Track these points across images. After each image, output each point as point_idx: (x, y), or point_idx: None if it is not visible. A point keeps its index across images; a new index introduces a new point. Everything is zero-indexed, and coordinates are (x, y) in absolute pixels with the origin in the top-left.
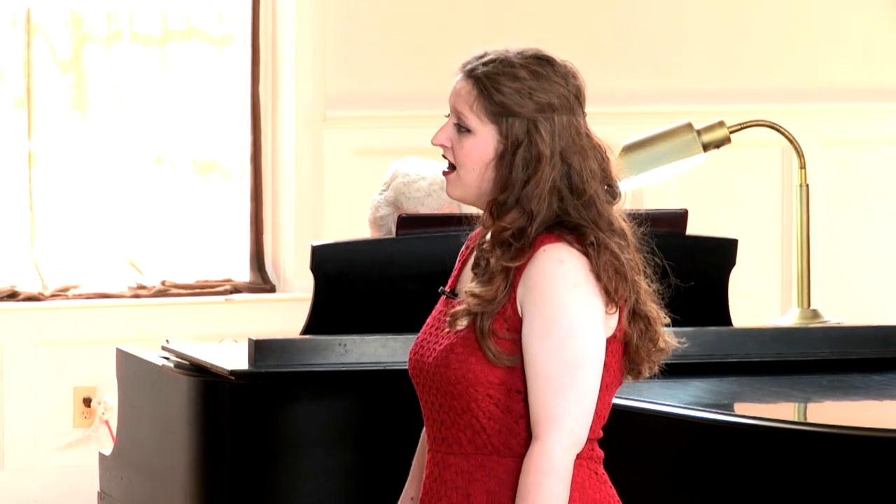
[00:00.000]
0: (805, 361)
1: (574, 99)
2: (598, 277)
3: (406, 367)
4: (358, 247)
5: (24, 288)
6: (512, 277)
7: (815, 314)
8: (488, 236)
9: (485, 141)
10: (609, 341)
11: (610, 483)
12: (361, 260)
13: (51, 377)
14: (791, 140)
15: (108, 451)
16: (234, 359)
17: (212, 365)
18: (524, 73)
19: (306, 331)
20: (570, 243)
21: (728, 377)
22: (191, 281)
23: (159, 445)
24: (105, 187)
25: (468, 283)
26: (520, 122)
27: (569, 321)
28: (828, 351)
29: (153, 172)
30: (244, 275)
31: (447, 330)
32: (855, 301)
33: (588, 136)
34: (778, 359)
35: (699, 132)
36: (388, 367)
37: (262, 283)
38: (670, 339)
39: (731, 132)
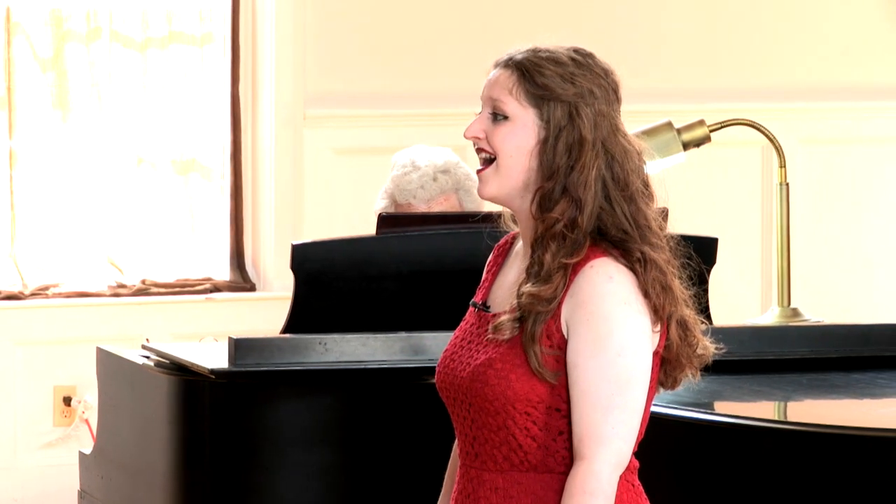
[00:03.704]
0: (785, 360)
1: (613, 94)
2: (646, 294)
3: (386, 367)
4: (338, 246)
5: (4, 287)
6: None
7: (795, 313)
8: (539, 232)
9: (524, 125)
10: (653, 356)
11: (645, 495)
12: (342, 259)
13: (31, 376)
14: (771, 139)
15: (88, 450)
16: (215, 358)
17: (192, 364)
18: (566, 60)
19: (286, 329)
20: (617, 258)
21: (708, 376)
22: (171, 280)
23: (139, 444)
24: (85, 186)
25: (502, 295)
26: (562, 107)
27: (620, 339)
28: (808, 349)
29: (133, 171)
30: (224, 274)
31: (489, 336)
32: (835, 300)
33: (625, 134)
34: (758, 357)
35: (679, 131)
36: (368, 366)
37: (242, 281)
38: (709, 343)
39: (711, 131)
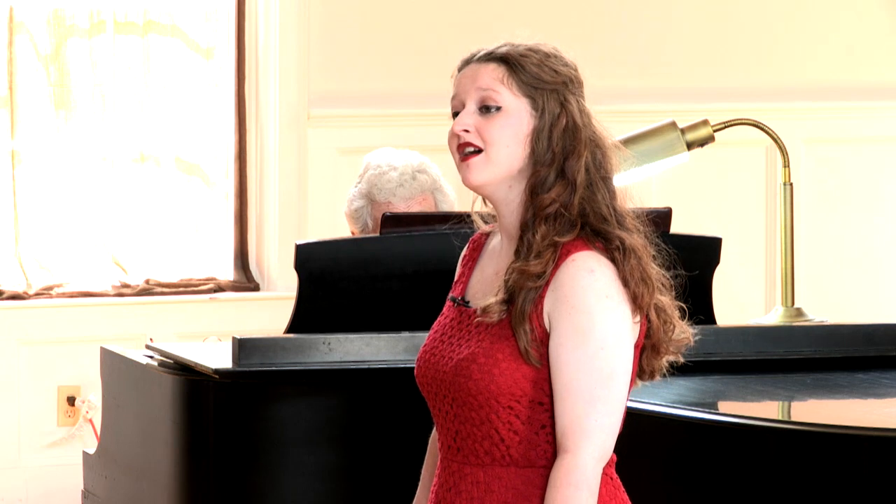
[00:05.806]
0: (789, 360)
1: (581, 86)
2: (626, 284)
3: (391, 367)
4: (342, 245)
5: (8, 286)
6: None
7: (799, 312)
8: (531, 214)
9: (518, 114)
10: (633, 349)
11: (622, 487)
12: (345, 259)
13: (35, 376)
14: (775, 139)
15: (92, 450)
16: (219, 357)
17: (196, 364)
18: (545, 51)
19: (290, 329)
20: (599, 249)
21: (712, 376)
22: (175, 279)
23: (143, 444)
24: (89, 185)
25: (481, 290)
26: (553, 95)
27: (602, 332)
28: (811, 349)
29: (137, 171)
30: (228, 273)
31: (478, 319)
32: (839, 299)
33: (599, 122)
34: (762, 357)
35: (683, 131)
36: (372, 366)
37: (246, 281)
38: (687, 327)
39: (715, 131)
